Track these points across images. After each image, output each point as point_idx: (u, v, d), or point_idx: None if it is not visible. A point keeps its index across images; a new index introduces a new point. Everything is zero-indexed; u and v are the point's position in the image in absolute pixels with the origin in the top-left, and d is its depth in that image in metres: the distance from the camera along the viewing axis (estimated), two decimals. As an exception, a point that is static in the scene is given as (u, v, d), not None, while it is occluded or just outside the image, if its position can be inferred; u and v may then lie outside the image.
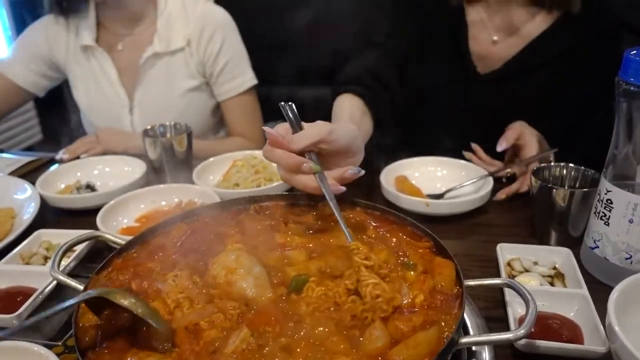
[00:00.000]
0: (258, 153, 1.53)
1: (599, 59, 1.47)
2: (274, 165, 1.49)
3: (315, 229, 1.04)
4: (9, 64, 1.94)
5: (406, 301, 0.82)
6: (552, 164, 1.20)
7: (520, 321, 0.90)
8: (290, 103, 1.04)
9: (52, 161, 1.77)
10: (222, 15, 1.96)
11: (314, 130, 0.97)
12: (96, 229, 1.19)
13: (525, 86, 1.54)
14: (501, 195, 1.35)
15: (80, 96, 2.00)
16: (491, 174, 1.37)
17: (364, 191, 1.42)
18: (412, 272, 0.89)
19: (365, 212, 1.07)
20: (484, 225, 1.27)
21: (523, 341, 0.84)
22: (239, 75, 1.99)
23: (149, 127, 1.54)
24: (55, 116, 2.59)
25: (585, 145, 1.51)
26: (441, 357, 0.71)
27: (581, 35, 1.47)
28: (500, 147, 1.36)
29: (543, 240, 1.17)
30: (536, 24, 1.50)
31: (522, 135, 1.36)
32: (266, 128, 0.98)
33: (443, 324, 0.78)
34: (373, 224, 1.05)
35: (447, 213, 1.27)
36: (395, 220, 1.04)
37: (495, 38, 1.55)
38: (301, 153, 0.97)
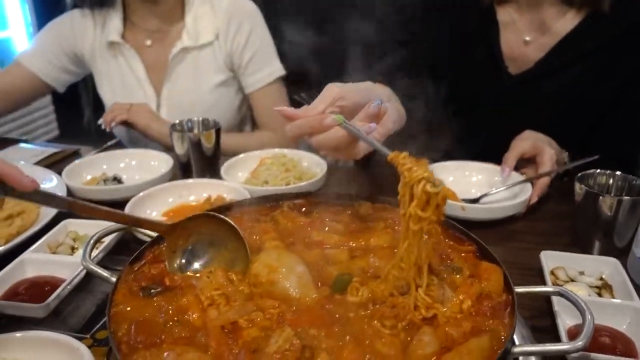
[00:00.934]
0: (288, 151, 1.50)
1: (630, 54, 1.45)
2: (304, 164, 1.48)
3: (353, 228, 1.00)
4: (31, 55, 1.92)
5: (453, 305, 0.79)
6: (598, 170, 1.15)
7: (570, 332, 0.86)
8: (305, 93, 1.03)
9: (76, 153, 1.75)
10: (249, 6, 1.93)
11: (326, 92, 0.96)
12: (123, 221, 1.16)
13: (557, 85, 1.51)
14: (534, 198, 1.31)
15: (105, 93, 1.97)
16: (529, 179, 1.32)
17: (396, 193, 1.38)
18: (458, 276, 0.85)
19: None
20: (522, 233, 1.23)
21: (577, 354, 0.79)
22: (267, 65, 1.93)
23: (176, 121, 1.52)
24: (73, 112, 2.57)
25: (606, 143, 1.49)
26: (496, 365, 0.67)
27: (611, 32, 1.45)
28: (505, 173, 1.36)
29: (586, 249, 1.13)
30: (567, 22, 1.48)
31: (540, 152, 1.34)
32: (278, 108, 0.95)
33: (494, 332, 0.74)
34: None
35: (485, 218, 1.23)
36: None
37: (527, 38, 1.53)
38: None
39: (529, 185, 1.31)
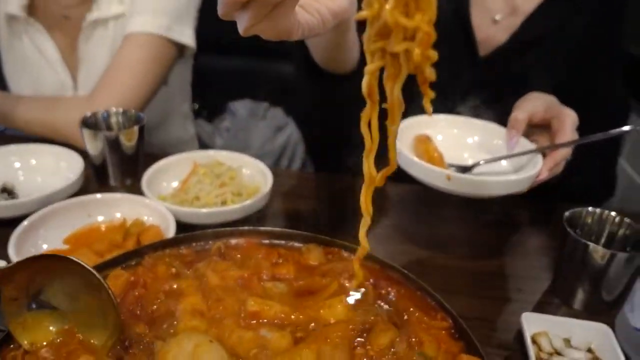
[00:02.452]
0: (225, 157, 1.26)
1: (601, 28, 1.32)
2: (245, 176, 1.24)
3: (300, 287, 0.80)
4: None
5: None
6: (589, 209, 0.99)
7: None
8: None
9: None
10: None
11: None
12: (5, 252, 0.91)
13: (524, 67, 1.36)
14: (544, 173, 1.02)
15: (9, 74, 1.61)
16: (543, 148, 1.04)
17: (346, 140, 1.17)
18: (430, 373, 0.67)
19: (362, 265, 0.84)
20: (497, 275, 1.05)
21: None
22: (163, 15, 1.47)
23: (89, 114, 1.24)
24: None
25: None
26: None
27: (579, 5, 1.31)
28: (512, 140, 1.06)
29: (567, 300, 0.98)
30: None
31: (557, 115, 1.05)
32: None
33: None
34: (372, 281, 0.82)
35: (474, 194, 0.98)
36: (402, 282, 0.82)
37: (497, 18, 1.38)
38: None
39: (539, 158, 1.03)
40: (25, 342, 0.65)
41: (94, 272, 0.65)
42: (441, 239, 1.13)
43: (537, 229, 1.19)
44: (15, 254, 0.91)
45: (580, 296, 0.96)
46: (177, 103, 1.82)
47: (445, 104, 1.25)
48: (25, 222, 0.98)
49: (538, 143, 1.08)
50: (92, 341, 0.66)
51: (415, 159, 1.00)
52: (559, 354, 0.84)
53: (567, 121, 1.03)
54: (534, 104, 1.07)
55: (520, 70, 1.35)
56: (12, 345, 0.66)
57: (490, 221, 1.20)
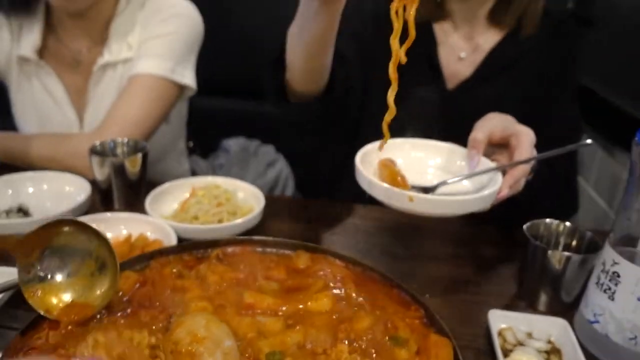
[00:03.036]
0: (221, 180, 1.37)
1: (557, 57, 1.48)
2: (240, 199, 1.35)
3: (290, 285, 0.90)
4: None
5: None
6: (547, 220, 1.11)
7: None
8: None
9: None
10: (185, 8, 1.68)
11: None
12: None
13: (487, 97, 1.48)
14: (504, 190, 1.06)
15: (18, 113, 1.73)
16: (503, 166, 1.08)
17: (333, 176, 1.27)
18: (403, 351, 0.77)
19: (345, 267, 0.95)
20: (466, 281, 1.16)
21: None
22: (167, 59, 1.60)
23: (97, 143, 1.36)
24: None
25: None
26: None
27: (535, 39, 1.48)
28: (473, 160, 1.11)
29: (532, 303, 1.08)
30: (494, 35, 1.51)
31: (515, 134, 1.11)
32: None
33: None
34: (354, 283, 0.92)
35: (436, 213, 1.00)
36: (380, 281, 0.92)
37: (462, 55, 1.53)
38: None
39: (498, 176, 1.07)
40: (42, 311, 0.74)
41: (99, 230, 0.77)
42: (416, 253, 1.24)
43: (504, 242, 1.30)
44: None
45: (542, 298, 1.07)
46: (175, 140, 1.95)
47: (414, 134, 1.34)
48: (40, 237, 1.08)
49: (498, 162, 1.13)
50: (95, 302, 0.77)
51: (376, 180, 1.02)
52: (522, 344, 0.94)
53: (525, 139, 1.09)
54: (492, 124, 1.13)
55: (484, 99, 1.49)
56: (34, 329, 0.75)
57: (462, 236, 1.31)
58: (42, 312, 0.75)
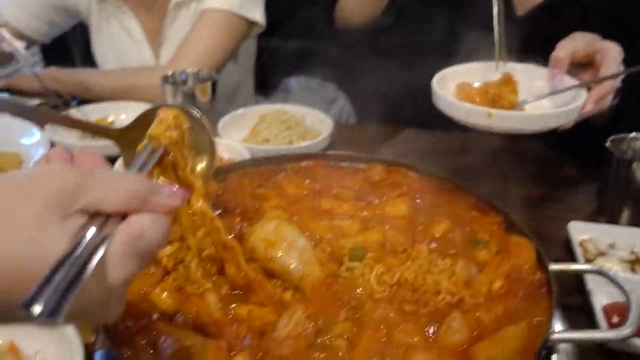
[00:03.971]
0: (289, 107, 1.39)
1: None
2: (308, 121, 1.36)
3: (365, 195, 0.91)
4: (13, 8, 1.72)
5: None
6: (632, 134, 1.05)
7: (607, 312, 0.78)
8: None
9: (66, 104, 1.61)
10: None
11: None
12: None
13: (564, 21, 1.35)
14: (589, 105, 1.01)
15: (98, 52, 1.79)
16: (587, 82, 1.02)
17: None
18: (484, 252, 0.77)
19: (418, 179, 0.94)
20: (543, 199, 1.13)
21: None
22: None
23: (169, 73, 1.39)
24: (63, 65, 2.41)
25: None
26: (537, 357, 0.59)
27: None
28: (555, 79, 1.06)
29: (613, 219, 1.04)
30: None
31: (600, 50, 1.04)
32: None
33: (530, 317, 0.66)
34: (429, 191, 0.92)
35: (516, 129, 0.98)
36: (454, 188, 0.91)
37: None
38: None
39: (583, 93, 1.01)
40: None
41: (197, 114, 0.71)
42: (494, 172, 1.19)
43: (584, 161, 1.24)
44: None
45: (625, 212, 1.02)
46: (243, 79, 1.97)
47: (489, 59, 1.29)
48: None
49: (583, 79, 1.06)
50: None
51: (456, 100, 1.01)
52: (603, 255, 0.92)
53: (610, 54, 1.02)
54: (576, 42, 1.07)
55: (556, 27, 1.39)
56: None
57: (542, 156, 1.27)
58: None
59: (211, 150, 0.74)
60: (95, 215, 0.41)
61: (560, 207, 1.10)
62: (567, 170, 1.23)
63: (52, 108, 1.56)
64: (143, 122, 0.70)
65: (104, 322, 0.51)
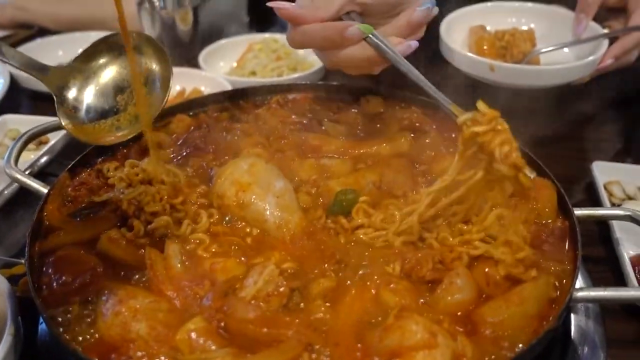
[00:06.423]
0: (280, 36, 1.24)
1: None
2: (299, 53, 1.23)
3: (360, 131, 0.79)
4: None
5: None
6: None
7: (636, 264, 0.68)
8: None
9: (33, 37, 1.48)
10: None
11: None
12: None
13: None
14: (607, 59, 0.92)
15: None
16: (611, 33, 0.94)
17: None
18: (495, 191, 0.65)
19: (423, 113, 0.82)
20: (562, 137, 1.00)
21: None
22: None
23: (146, -4, 1.24)
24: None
25: None
26: (558, 320, 0.49)
27: None
28: (580, 25, 0.95)
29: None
30: None
31: None
32: (274, 2, 0.65)
33: (548, 271, 0.55)
34: (434, 127, 0.80)
35: (520, 84, 0.91)
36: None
37: None
38: (337, 19, 0.65)
39: (604, 44, 0.92)
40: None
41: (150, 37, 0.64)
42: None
43: (613, 102, 1.11)
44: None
45: (656, 153, 0.91)
46: (235, 10, 1.81)
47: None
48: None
49: (613, 29, 0.95)
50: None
51: (456, 47, 0.93)
52: (631, 199, 0.80)
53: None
54: None
55: None
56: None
57: (565, 95, 1.13)
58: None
59: (164, 86, 0.63)
60: None
61: (587, 145, 0.97)
62: (591, 109, 1.09)
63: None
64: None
65: None
